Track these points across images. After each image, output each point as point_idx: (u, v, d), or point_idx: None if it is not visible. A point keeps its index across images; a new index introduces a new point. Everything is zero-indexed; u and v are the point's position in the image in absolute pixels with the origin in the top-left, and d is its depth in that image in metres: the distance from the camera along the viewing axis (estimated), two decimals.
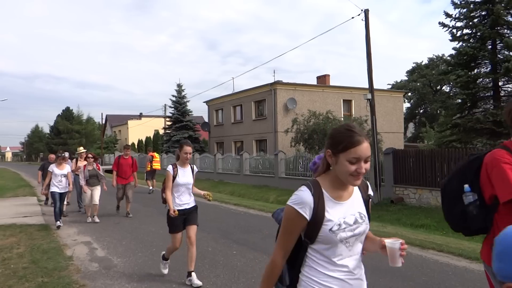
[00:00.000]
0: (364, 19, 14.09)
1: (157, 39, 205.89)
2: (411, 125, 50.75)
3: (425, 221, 11.02)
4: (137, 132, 50.25)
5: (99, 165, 10.24)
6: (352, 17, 14.30)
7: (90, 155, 10.25)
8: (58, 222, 9.03)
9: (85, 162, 10.48)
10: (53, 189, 9.07)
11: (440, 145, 22.63)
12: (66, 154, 10.78)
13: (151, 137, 45.72)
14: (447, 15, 21.65)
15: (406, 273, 5.54)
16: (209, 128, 33.46)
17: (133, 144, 47.72)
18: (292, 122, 21.67)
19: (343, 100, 27.88)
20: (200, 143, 35.37)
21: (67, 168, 9.39)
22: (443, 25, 21.57)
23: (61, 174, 9.13)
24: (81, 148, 12.87)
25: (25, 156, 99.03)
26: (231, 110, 30.67)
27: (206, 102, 34.21)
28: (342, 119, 22.93)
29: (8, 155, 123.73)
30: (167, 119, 37.88)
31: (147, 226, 9.19)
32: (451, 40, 21.58)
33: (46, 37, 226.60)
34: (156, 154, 18.83)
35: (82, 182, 9.84)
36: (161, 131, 40.68)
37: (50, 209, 11.85)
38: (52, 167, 9.21)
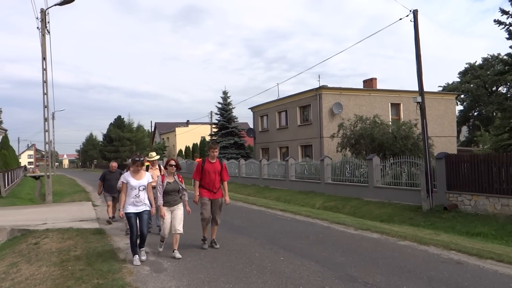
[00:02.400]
0: (412, 20, 13.70)
1: (203, 48, 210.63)
2: (464, 129, 48.51)
3: (482, 229, 10.49)
4: (184, 139, 51.55)
5: (181, 176, 7.33)
6: (400, 19, 13.95)
7: (172, 162, 7.17)
8: (136, 257, 6.51)
9: (158, 172, 8.12)
10: (128, 208, 6.51)
11: (497, 149, 21.48)
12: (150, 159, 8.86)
13: (198, 143, 46.68)
14: (503, 12, 20.60)
15: (463, 283, 5.27)
16: (254, 134, 33.67)
17: (180, 150, 48.94)
18: (338, 127, 21.36)
19: (391, 103, 27.18)
20: (245, 149, 35.67)
21: (146, 177, 6.78)
22: (498, 22, 20.55)
23: (139, 186, 6.59)
24: (154, 153, 9.72)
25: (80, 163, 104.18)
26: (276, 116, 30.72)
27: (251, 108, 34.48)
28: (390, 123, 22.31)
29: (65, 162, 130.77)
30: (213, 125, 38.57)
31: (195, 231, 9.33)
32: (507, 39, 20.51)
33: (99, 50, 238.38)
34: None
35: (160, 200, 6.92)
36: (208, 138, 41.46)
37: (104, 213, 12.31)
38: (127, 177, 6.66)
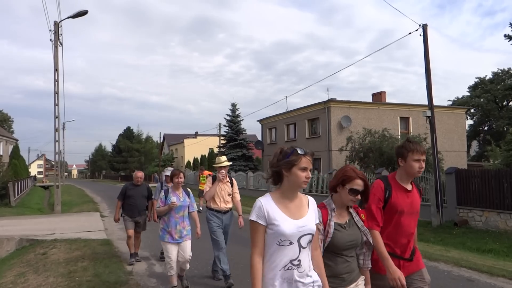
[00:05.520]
0: (422, 34, 13.70)
1: (213, 61, 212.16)
2: (474, 143, 48.06)
3: (493, 246, 10.31)
4: (192, 150, 51.67)
5: (363, 211, 2.98)
6: (410, 33, 13.96)
7: (358, 183, 2.76)
8: None
9: (229, 189, 6.16)
10: None
11: (508, 164, 21.23)
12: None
13: (206, 155, 46.78)
14: None
15: None
16: (262, 147, 33.68)
17: (188, 162, 49.08)
18: (346, 140, 21.30)
19: (400, 117, 27.08)
20: (253, 162, 35.65)
21: (312, 210, 2.57)
22: (509, 37, 20.52)
23: (301, 237, 2.41)
24: (224, 157, 6.47)
25: (89, 174, 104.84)
26: (285, 129, 30.73)
27: (260, 120, 34.56)
28: (399, 137, 22.20)
29: (74, 172, 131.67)
30: (222, 137, 38.67)
31: (202, 243, 9.28)
32: None
33: (111, 61, 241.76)
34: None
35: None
36: (216, 150, 41.55)
37: (112, 224, 12.24)
38: (265, 206, 2.49)
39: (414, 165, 3.15)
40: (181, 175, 5.78)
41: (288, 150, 2.49)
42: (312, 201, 2.61)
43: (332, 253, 2.77)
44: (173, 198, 5.56)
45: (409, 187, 3.23)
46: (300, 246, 2.40)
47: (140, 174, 7.77)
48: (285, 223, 2.38)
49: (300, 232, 2.40)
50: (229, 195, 6.14)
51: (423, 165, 3.19)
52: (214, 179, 6.20)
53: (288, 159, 2.45)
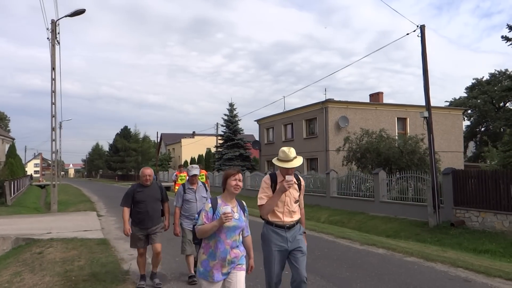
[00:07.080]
0: (420, 35, 13.73)
1: (212, 60, 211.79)
2: (471, 144, 48.20)
3: (490, 247, 10.35)
4: (190, 150, 51.64)
5: None
6: (407, 34, 13.98)
7: None
8: None
9: (296, 193, 4.30)
10: None
11: (505, 165, 21.31)
12: None
13: (203, 155, 46.73)
14: (511, 28, 20.65)
15: None
16: (259, 147, 33.67)
17: (186, 162, 49.01)
18: (344, 141, 21.32)
19: (398, 118, 27.13)
20: (250, 161, 35.64)
21: None
22: (506, 39, 20.61)
23: None
24: (292, 152, 4.30)
25: (86, 173, 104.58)
26: (282, 129, 30.74)
27: (257, 120, 34.55)
28: (397, 137, 22.24)
29: (71, 172, 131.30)
30: (219, 137, 38.66)
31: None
32: None
33: (109, 61, 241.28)
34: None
35: None
36: (213, 149, 41.53)
37: (108, 224, 12.24)
38: None
39: None
40: (240, 176, 3.69)
41: None
42: None
43: None
44: (226, 208, 3.48)
45: None
46: None
47: (148, 171, 5.86)
48: None
49: None
50: (296, 202, 4.25)
51: None
52: (274, 178, 4.30)
53: None
